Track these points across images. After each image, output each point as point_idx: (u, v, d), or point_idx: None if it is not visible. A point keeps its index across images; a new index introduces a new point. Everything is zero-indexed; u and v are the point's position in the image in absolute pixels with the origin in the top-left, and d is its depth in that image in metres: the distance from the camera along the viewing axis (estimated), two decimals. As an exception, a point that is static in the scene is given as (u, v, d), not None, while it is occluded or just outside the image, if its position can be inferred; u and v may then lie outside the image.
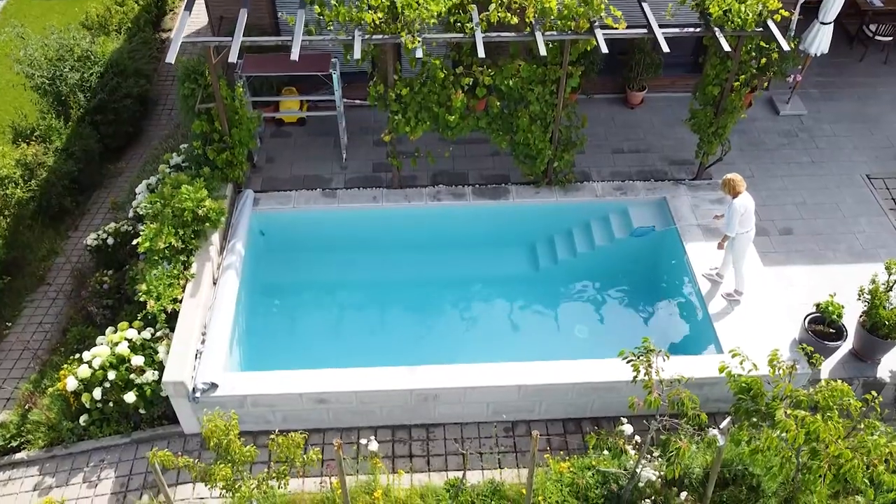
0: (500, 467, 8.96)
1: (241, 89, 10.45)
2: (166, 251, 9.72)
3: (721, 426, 8.00)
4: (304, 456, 7.62)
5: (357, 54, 9.20)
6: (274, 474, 7.68)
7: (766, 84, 11.00)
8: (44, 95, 14.96)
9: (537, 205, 11.18)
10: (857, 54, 14.47)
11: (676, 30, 9.82)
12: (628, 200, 11.22)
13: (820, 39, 11.86)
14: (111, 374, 9.05)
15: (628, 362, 7.61)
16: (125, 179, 14.63)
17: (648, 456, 8.47)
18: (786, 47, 9.50)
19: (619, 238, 10.94)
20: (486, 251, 11.32)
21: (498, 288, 11.12)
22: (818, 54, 12.08)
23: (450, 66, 10.24)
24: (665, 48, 9.37)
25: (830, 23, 11.74)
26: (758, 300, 9.81)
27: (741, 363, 7.60)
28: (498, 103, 10.27)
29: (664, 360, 7.72)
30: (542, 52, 9.28)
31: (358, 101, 12.78)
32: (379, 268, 11.20)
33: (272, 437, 7.50)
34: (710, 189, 11.36)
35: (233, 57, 9.12)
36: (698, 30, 9.84)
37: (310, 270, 11.17)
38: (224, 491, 7.63)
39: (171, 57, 9.21)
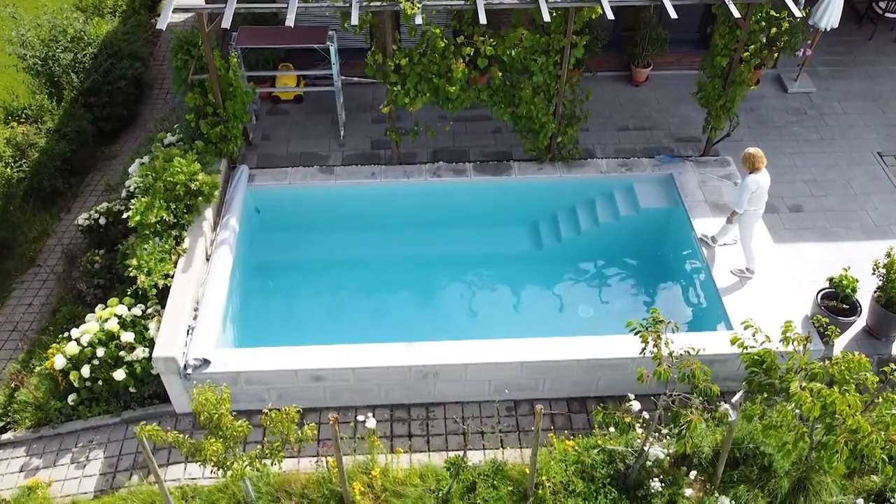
0: (502, 446, 8.65)
1: (234, 59, 10.13)
2: (157, 225, 9.42)
3: (733, 400, 7.71)
4: (299, 431, 7.32)
5: (354, 20, 8.89)
6: (267, 450, 7.37)
7: (775, 57, 10.67)
8: (36, 76, 14.70)
9: (540, 181, 10.88)
10: (866, 33, 14.17)
11: (684, -2, 9.51)
12: (634, 177, 10.91)
13: (830, 13, 11.54)
14: (100, 352, 8.76)
15: (636, 333, 7.31)
16: (120, 162, 14.32)
17: (656, 434, 8.18)
18: (797, 13, 9.19)
19: (624, 215, 10.63)
20: (488, 229, 11.02)
21: (500, 267, 10.81)
22: (828, 28, 11.76)
23: (450, 36, 9.93)
24: (672, 14, 9.06)
25: (841, -5, 11.45)
26: (768, 277, 9.51)
27: (753, 335, 7.31)
28: (500, 74, 9.95)
29: (673, 332, 7.44)
30: (546, 18, 8.97)
31: (356, 78, 12.48)
32: (377, 246, 10.91)
33: (265, 410, 7.20)
34: (717, 165, 11.06)
35: (226, 22, 8.81)
36: (707, -2, 9.56)
37: (306, 248, 10.87)
38: (215, 469, 7.34)
39: (162, 23, 8.92)
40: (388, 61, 9.66)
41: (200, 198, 9.75)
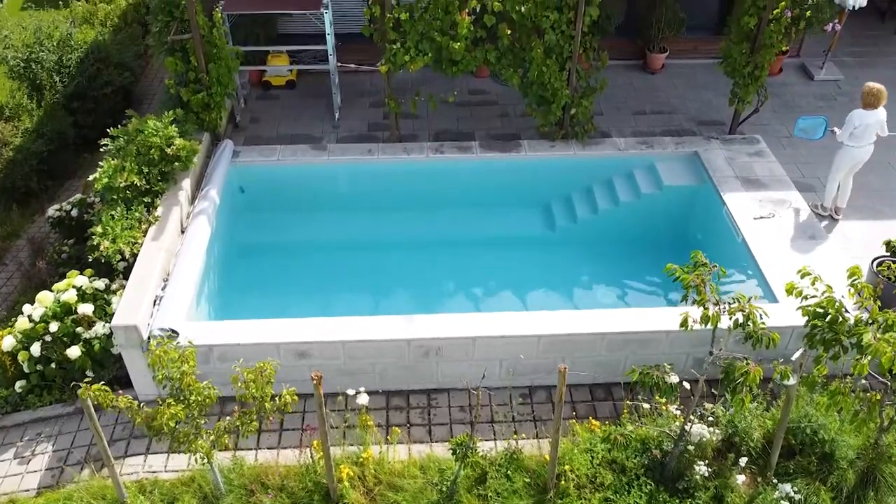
0: (516, 434, 7.41)
1: (219, 14, 9.31)
2: (127, 191, 8.42)
3: (793, 358, 6.56)
4: (277, 399, 6.15)
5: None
6: (238, 422, 6.17)
7: (801, 28, 9.84)
8: (17, 79, 13.97)
9: (553, 159, 9.92)
10: (890, 28, 13.53)
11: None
12: (655, 154, 9.96)
13: (858, -12, 10.84)
14: (53, 326, 7.65)
15: (676, 279, 6.23)
16: (102, 169, 13.45)
17: (697, 413, 6.97)
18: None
19: (646, 193, 9.65)
20: (495, 210, 10.02)
21: (509, 251, 9.72)
22: (856, 7, 11.02)
23: (455, -9, 9.14)
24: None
25: (869, -30, 10.77)
26: (814, 250, 8.47)
27: (813, 283, 6.21)
28: (509, 32, 9.12)
29: (719, 278, 6.36)
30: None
31: (353, 65, 11.74)
32: (374, 229, 9.87)
33: (235, 367, 6.04)
34: (746, 143, 10.12)
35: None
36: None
37: (295, 230, 9.83)
38: (175, 446, 6.14)
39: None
40: (388, 15, 8.83)
41: (177, 164, 8.77)
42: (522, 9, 8.94)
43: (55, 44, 14.06)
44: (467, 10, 8.76)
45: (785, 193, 9.28)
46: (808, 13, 9.24)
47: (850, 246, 9.03)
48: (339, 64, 11.07)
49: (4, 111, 13.22)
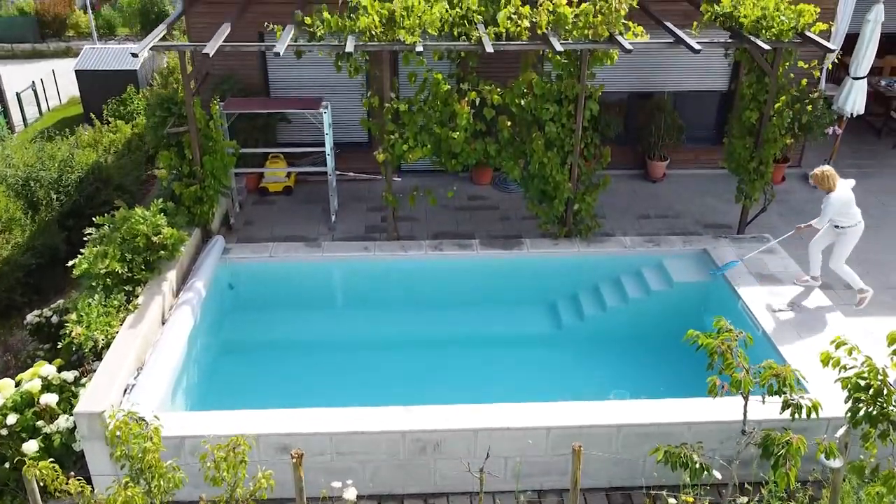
0: (525, 541, 6.51)
1: (216, 107, 9.26)
2: (107, 279, 7.96)
3: (837, 435, 5.79)
4: (251, 484, 5.38)
5: (349, 47, 8.11)
6: (205, 510, 5.36)
7: (803, 122, 9.85)
8: (15, 196, 13.90)
9: (556, 256, 9.54)
10: (887, 143, 13.62)
11: (706, 40, 8.85)
12: (663, 253, 9.59)
13: (854, 96, 10.96)
14: (11, 419, 6.93)
15: (699, 348, 5.67)
16: (93, 290, 13.05)
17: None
18: (831, 46, 8.49)
19: (656, 290, 9.19)
20: (497, 309, 9.49)
21: (512, 350, 9.11)
22: (854, 114, 11.13)
23: (454, 84, 9.14)
24: (696, 46, 8.33)
25: (863, 77, 10.91)
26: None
27: (850, 353, 5.63)
28: (508, 124, 9.04)
29: (746, 346, 5.79)
30: (558, 48, 8.20)
31: (351, 174, 11.69)
32: (369, 329, 9.28)
33: (204, 443, 5.32)
34: (756, 241, 9.78)
35: (210, 49, 8.03)
36: (730, 40, 8.90)
37: (285, 328, 9.23)
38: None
39: (139, 52, 8.14)
40: (386, 106, 8.76)
41: (163, 252, 8.38)
42: (522, 102, 8.91)
43: (56, 164, 14.12)
44: (466, 100, 8.70)
45: (803, 287, 8.85)
46: (808, 107, 9.21)
47: (873, 339, 8.45)
48: (338, 172, 11.01)
49: (-3, 226, 13.04)
